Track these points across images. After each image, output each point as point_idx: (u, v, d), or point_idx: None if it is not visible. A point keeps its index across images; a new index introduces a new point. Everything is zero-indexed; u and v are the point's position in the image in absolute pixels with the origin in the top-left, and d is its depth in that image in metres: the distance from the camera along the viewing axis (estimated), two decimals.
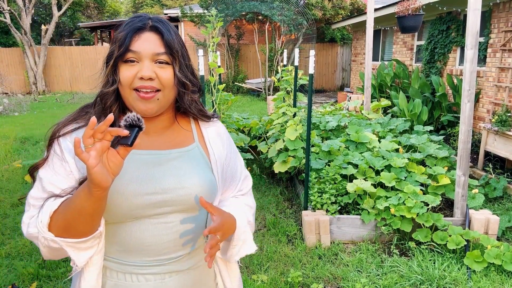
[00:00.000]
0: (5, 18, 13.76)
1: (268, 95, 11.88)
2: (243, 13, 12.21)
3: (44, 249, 0.91)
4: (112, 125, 0.80)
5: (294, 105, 4.69)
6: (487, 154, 5.16)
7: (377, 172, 3.74)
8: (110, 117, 0.75)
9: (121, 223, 0.97)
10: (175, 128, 1.08)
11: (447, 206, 3.71)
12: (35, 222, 0.90)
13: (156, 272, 1.01)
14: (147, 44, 0.93)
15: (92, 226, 0.89)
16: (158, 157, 1.00)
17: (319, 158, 4.07)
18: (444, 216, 3.39)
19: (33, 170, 0.97)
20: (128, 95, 0.95)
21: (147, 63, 0.93)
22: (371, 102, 6.24)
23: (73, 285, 1.04)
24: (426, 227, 3.15)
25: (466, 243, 3.00)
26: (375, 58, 10.68)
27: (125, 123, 0.80)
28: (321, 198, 3.52)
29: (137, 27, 0.94)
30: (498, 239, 3.34)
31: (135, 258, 1.00)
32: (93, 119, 0.74)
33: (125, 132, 0.77)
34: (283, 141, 4.39)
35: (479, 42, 6.06)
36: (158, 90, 0.95)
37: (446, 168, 3.88)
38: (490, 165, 4.87)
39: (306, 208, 3.60)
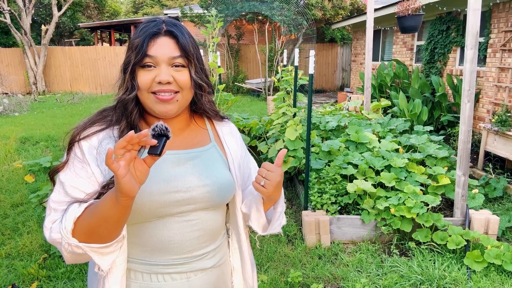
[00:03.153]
0: (5, 18, 13.76)
1: (268, 95, 11.88)
2: (243, 13, 12.21)
3: (67, 254, 0.90)
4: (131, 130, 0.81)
5: (294, 105, 4.69)
6: (487, 154, 5.16)
7: (377, 172, 3.74)
8: (144, 132, 0.77)
9: (145, 223, 0.99)
10: (192, 129, 1.10)
11: (447, 206, 3.71)
12: (58, 227, 0.90)
13: (181, 271, 1.03)
14: (163, 48, 0.95)
15: (116, 232, 0.90)
16: (178, 157, 1.02)
17: (319, 158, 4.07)
18: (444, 216, 3.39)
19: (53, 174, 0.97)
20: (146, 98, 0.97)
21: (164, 67, 0.95)
22: (371, 102, 6.24)
23: None
24: (426, 227, 3.15)
25: (466, 243, 3.00)
26: (375, 58, 10.68)
27: (153, 133, 0.81)
28: (321, 198, 3.52)
29: (153, 32, 0.95)
30: (498, 239, 3.34)
31: (160, 258, 1.01)
32: (131, 133, 0.75)
33: (154, 142, 0.79)
34: (283, 141, 4.39)
35: (479, 42, 6.06)
36: (176, 92, 0.98)
37: (446, 168, 3.88)
38: (490, 165, 4.87)
39: (306, 208, 3.60)
